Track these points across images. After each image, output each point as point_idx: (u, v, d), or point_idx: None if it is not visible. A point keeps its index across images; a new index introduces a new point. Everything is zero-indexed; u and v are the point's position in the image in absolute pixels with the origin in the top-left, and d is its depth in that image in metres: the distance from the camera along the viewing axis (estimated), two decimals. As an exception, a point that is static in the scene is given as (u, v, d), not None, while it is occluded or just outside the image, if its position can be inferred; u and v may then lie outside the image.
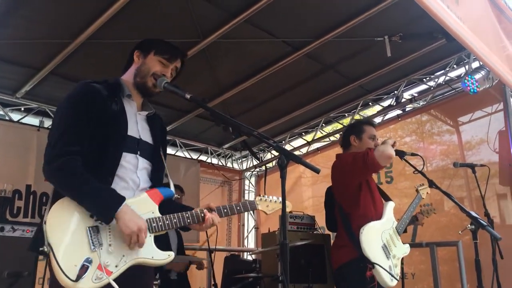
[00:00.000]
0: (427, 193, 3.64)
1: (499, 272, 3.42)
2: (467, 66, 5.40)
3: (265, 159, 7.89)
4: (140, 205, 1.95)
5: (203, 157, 7.43)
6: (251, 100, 5.92)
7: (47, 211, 1.80)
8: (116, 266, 1.80)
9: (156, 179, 2.15)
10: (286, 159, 1.81)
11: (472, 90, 4.73)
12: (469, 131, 5.62)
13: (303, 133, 7.30)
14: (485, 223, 2.96)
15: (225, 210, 2.16)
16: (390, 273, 3.04)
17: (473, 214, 3.00)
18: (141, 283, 2.03)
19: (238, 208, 2.20)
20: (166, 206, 2.06)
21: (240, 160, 8.17)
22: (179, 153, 7.03)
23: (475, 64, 5.20)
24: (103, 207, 1.82)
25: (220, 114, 1.98)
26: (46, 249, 1.70)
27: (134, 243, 1.81)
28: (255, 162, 8.00)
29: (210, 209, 2.11)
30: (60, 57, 4.36)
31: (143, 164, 2.09)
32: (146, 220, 1.91)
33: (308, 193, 7.32)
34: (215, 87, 5.46)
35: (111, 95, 2.04)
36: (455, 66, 5.57)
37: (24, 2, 3.67)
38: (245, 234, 7.90)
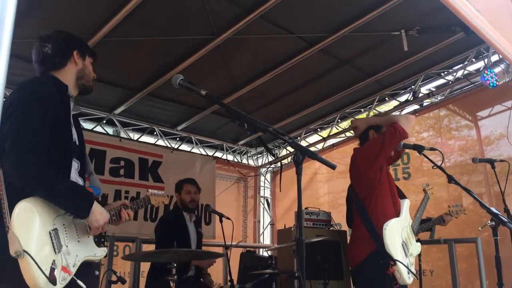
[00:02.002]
0: (432, 193, 3.78)
1: (519, 269, 3.37)
2: (486, 60, 5.30)
3: (280, 155, 7.88)
4: None
5: (218, 154, 7.44)
6: (266, 96, 5.90)
7: (8, 216, 1.76)
8: (74, 266, 1.94)
9: (84, 177, 2.26)
10: (302, 155, 1.80)
11: (491, 84, 4.64)
12: (488, 125, 5.53)
13: (318, 129, 7.25)
14: (506, 220, 2.91)
15: (134, 206, 2.39)
16: (410, 270, 3.02)
17: (494, 210, 2.94)
18: (88, 276, 2.12)
19: (141, 203, 2.47)
20: None
21: (256, 157, 8.17)
22: (195, 150, 7.05)
23: (494, 58, 5.09)
24: (80, 205, 1.96)
25: (235, 110, 1.98)
26: (20, 255, 1.70)
27: (100, 231, 2.07)
28: (271, 158, 7.99)
29: (126, 206, 2.30)
30: (76, 55, 4.40)
31: (78, 166, 2.18)
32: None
33: (324, 189, 7.29)
34: (230, 84, 5.46)
35: (61, 97, 2.06)
36: (473, 59, 5.47)
37: (40, 2, 3.71)
38: (261, 231, 7.89)
